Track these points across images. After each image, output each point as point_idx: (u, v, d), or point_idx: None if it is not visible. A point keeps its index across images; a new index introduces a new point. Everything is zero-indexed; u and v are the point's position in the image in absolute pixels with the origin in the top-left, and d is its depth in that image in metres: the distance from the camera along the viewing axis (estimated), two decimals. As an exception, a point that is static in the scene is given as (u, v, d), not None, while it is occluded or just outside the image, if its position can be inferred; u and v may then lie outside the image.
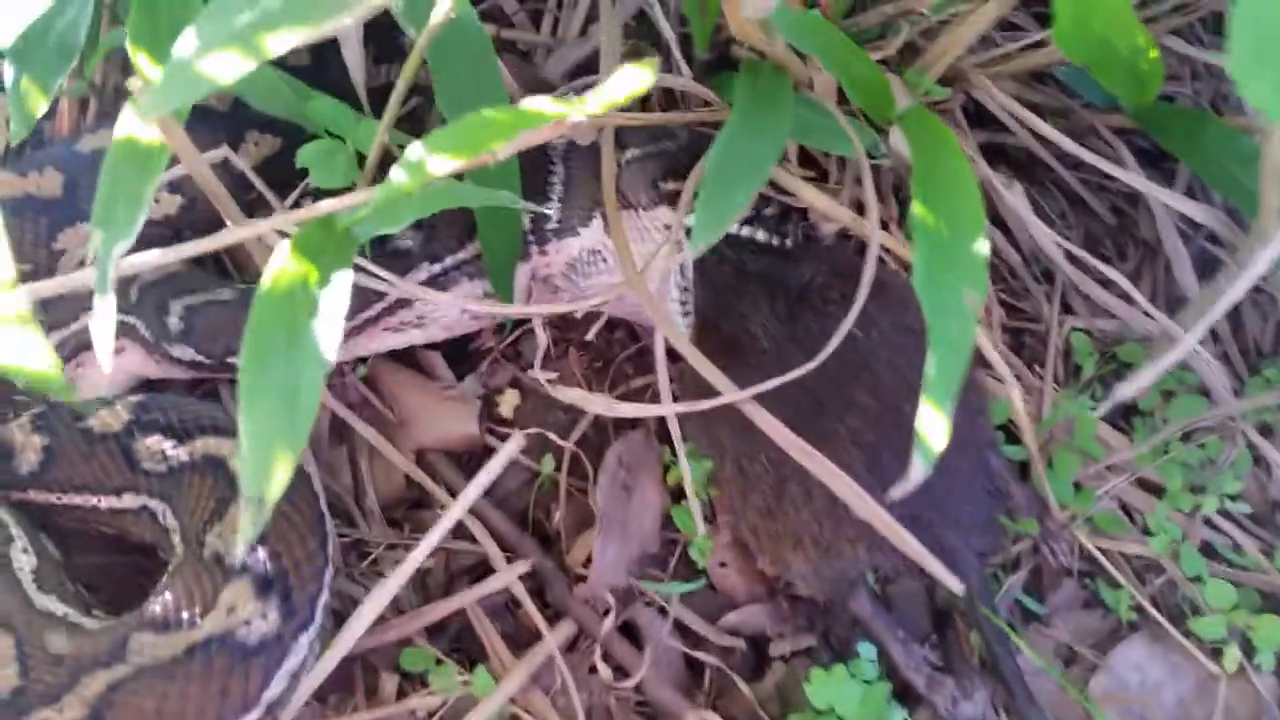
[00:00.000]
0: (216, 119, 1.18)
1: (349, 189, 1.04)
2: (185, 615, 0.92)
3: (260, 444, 0.70)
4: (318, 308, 0.75)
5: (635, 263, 1.08)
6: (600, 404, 1.06)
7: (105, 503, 1.00)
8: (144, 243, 0.80)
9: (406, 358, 1.23)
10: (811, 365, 0.97)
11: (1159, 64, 1.00)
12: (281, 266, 0.78)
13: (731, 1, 0.91)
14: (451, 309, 1.17)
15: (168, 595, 0.94)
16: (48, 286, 0.79)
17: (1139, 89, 1.00)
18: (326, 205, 0.81)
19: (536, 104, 0.74)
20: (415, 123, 1.26)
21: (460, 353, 1.27)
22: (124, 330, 1.12)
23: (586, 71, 1.32)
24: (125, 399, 1.03)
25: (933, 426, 0.78)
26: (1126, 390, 1.02)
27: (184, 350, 1.11)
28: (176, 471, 0.99)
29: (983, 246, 0.83)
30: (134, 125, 0.79)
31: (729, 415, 1.03)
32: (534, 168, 1.17)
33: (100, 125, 1.22)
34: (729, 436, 1.08)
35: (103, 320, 0.74)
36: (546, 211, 1.17)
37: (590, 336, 1.19)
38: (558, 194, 1.19)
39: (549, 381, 1.20)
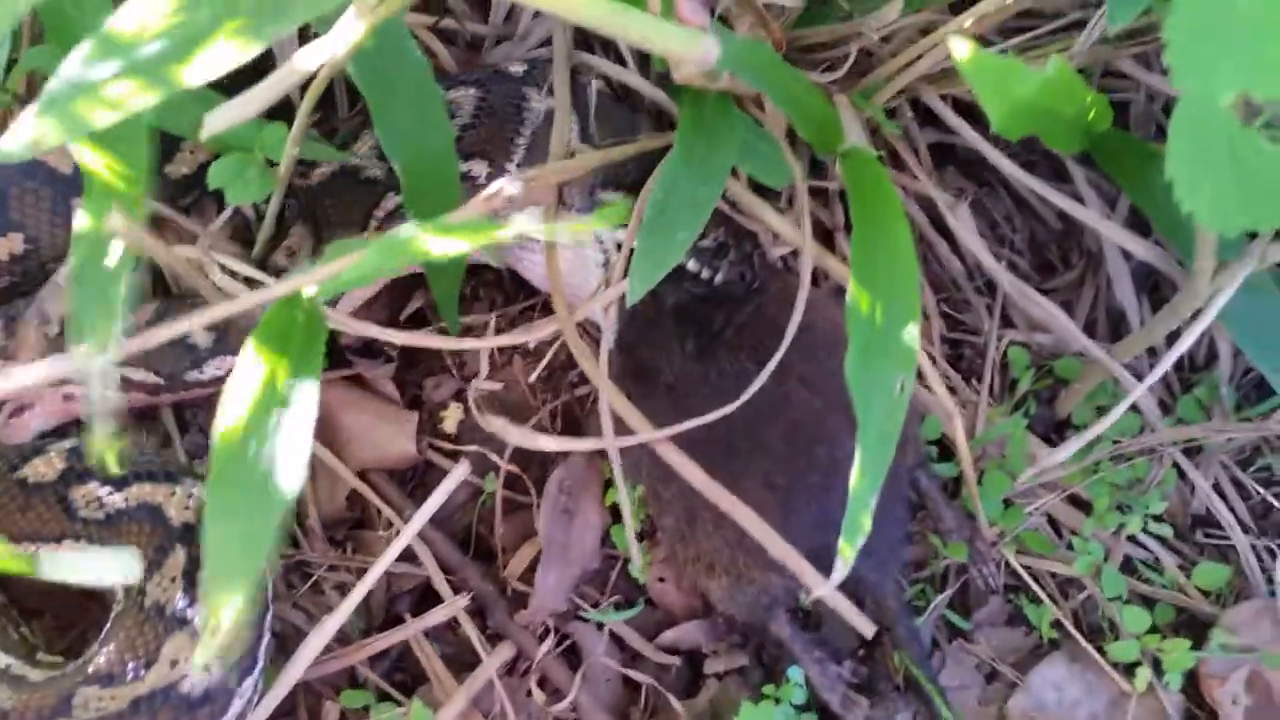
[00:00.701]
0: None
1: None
2: (129, 668, 0.94)
3: (223, 569, 0.70)
4: (291, 406, 0.74)
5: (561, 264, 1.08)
6: (520, 436, 1.05)
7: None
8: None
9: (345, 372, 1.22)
10: (719, 414, 0.97)
11: (1107, 107, 0.99)
12: (249, 368, 0.76)
13: (672, 60, 0.88)
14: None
15: (111, 647, 0.95)
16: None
17: (1086, 136, 0.99)
18: (285, 286, 0.78)
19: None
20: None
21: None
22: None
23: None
24: (59, 445, 1.02)
25: (860, 523, 0.79)
26: (1073, 445, 1.04)
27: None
28: (114, 518, 0.99)
29: (915, 335, 0.84)
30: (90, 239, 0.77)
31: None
32: (504, 127, 1.16)
33: (29, 134, 1.17)
34: (645, 459, 1.08)
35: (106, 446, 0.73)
36: (505, 172, 1.16)
37: (536, 375, 1.19)
38: (517, 159, 1.17)
39: (489, 394, 1.21)
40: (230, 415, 0.75)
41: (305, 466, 0.74)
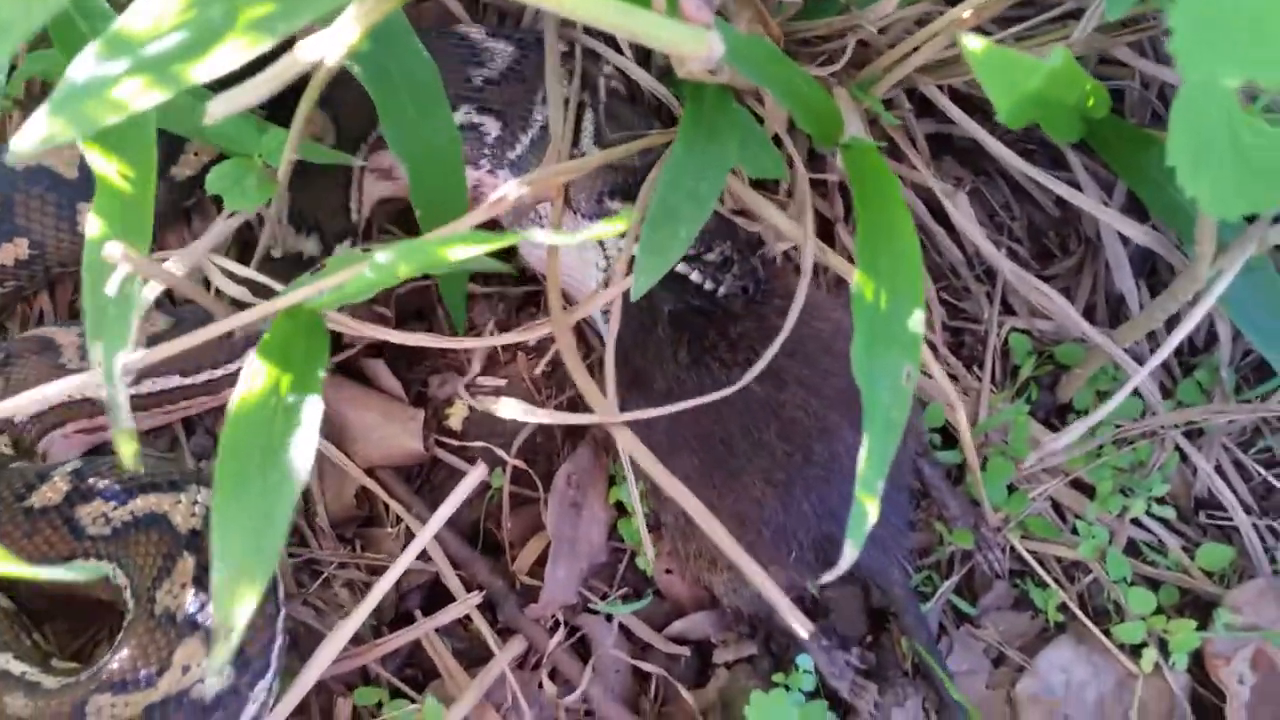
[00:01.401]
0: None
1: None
2: (142, 675, 0.94)
3: (232, 574, 0.70)
4: (294, 419, 0.75)
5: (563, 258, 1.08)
6: (526, 412, 1.04)
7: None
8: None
9: (350, 370, 1.22)
10: (711, 401, 0.96)
11: (1105, 95, 0.99)
12: (252, 377, 0.77)
13: (676, 57, 0.88)
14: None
15: (124, 654, 0.95)
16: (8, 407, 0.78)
17: (1084, 124, 0.99)
18: (288, 300, 0.79)
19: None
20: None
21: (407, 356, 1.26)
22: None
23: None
24: (62, 470, 1.02)
25: (866, 510, 0.80)
26: (1076, 430, 1.05)
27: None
28: (120, 531, 0.99)
29: (919, 322, 0.84)
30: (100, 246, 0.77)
31: (642, 436, 1.03)
32: (529, 96, 1.16)
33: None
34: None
35: (125, 443, 0.73)
36: (517, 141, 1.16)
37: (539, 370, 1.19)
38: (532, 134, 1.17)
39: (492, 390, 1.22)
40: (236, 424, 0.75)
41: (311, 467, 0.75)
